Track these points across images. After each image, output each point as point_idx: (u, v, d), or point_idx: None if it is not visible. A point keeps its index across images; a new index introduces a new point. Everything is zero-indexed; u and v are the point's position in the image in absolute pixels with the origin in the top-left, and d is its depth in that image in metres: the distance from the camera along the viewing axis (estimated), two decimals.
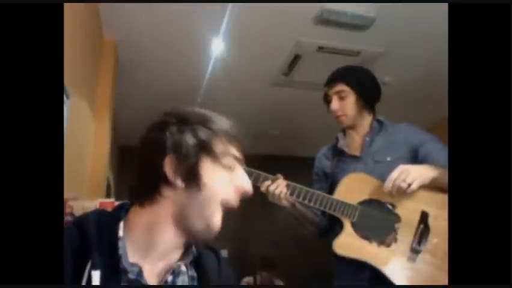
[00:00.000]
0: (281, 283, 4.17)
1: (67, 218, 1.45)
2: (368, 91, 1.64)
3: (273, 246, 4.70)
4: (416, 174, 1.37)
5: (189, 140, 0.72)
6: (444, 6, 1.07)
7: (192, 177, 0.72)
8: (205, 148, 0.73)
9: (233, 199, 0.75)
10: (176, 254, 0.76)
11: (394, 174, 1.38)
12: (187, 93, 3.43)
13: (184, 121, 0.74)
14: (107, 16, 2.53)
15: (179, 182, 0.71)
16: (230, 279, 0.85)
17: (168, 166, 0.71)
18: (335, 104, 1.61)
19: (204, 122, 0.75)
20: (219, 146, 0.74)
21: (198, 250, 0.79)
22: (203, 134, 0.73)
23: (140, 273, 0.70)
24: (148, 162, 0.74)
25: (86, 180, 2.43)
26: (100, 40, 2.67)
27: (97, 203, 1.53)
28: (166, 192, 0.72)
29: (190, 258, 0.77)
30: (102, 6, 2.43)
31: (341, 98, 1.60)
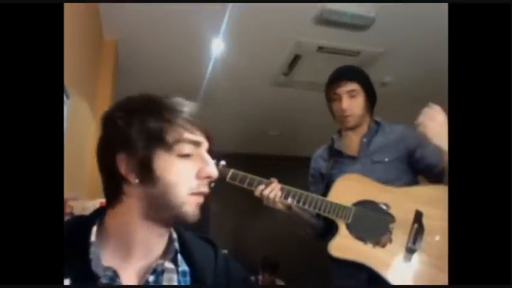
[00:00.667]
0: (282, 283, 4.18)
1: (67, 218, 1.45)
2: (374, 92, 1.65)
3: (273, 246, 4.70)
4: (439, 123, 1.33)
5: (137, 133, 0.68)
6: (444, 6, 1.06)
7: (145, 173, 0.68)
8: (156, 139, 0.68)
9: (198, 186, 0.71)
10: (158, 252, 0.73)
11: (424, 114, 1.38)
12: (187, 93, 3.40)
13: (132, 112, 0.70)
14: (107, 16, 2.53)
15: (132, 179, 0.68)
16: (231, 271, 0.80)
17: (121, 164, 0.68)
18: (345, 102, 1.58)
19: (154, 109, 0.70)
20: (171, 135, 0.69)
21: (182, 244, 0.76)
22: (153, 124, 0.68)
23: (113, 277, 0.67)
24: (102, 162, 0.71)
25: (86, 180, 2.42)
26: (100, 40, 2.67)
27: (97, 203, 1.53)
28: (127, 190, 0.70)
29: (171, 254, 0.73)
30: (102, 6, 2.43)
31: (352, 97, 1.59)
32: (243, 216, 5.03)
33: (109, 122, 0.71)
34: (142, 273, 0.70)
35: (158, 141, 0.68)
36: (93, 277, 0.66)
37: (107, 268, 0.67)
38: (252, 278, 4.15)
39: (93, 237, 0.69)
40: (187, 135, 0.70)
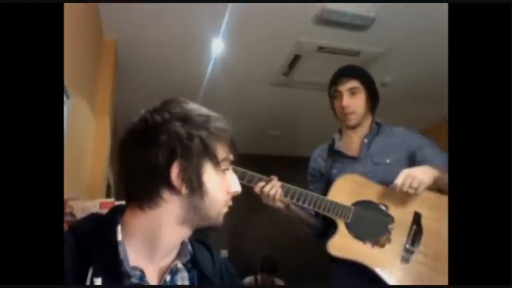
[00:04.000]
0: (281, 283, 4.17)
1: (67, 218, 1.45)
2: (375, 92, 1.66)
3: (273, 246, 4.70)
4: (420, 177, 1.37)
5: (197, 146, 0.71)
6: (444, 6, 1.07)
7: (196, 185, 0.72)
8: (209, 154, 0.73)
9: (228, 200, 0.78)
10: (175, 253, 0.78)
11: (399, 180, 1.38)
12: (187, 93, 3.41)
13: (190, 123, 0.72)
14: (107, 16, 2.53)
15: (183, 189, 0.71)
16: (228, 269, 0.87)
17: (175, 172, 0.70)
18: (346, 99, 1.59)
19: (207, 124, 0.74)
20: (220, 153, 0.74)
21: (192, 247, 0.81)
22: (208, 139, 0.73)
23: (142, 276, 0.71)
24: (153, 164, 0.70)
25: (86, 180, 2.42)
26: (100, 40, 2.67)
27: (97, 203, 1.53)
28: (168, 196, 0.72)
29: (187, 257, 0.79)
30: (102, 6, 2.43)
31: (353, 95, 1.60)
32: (243, 217, 5.02)
33: (168, 128, 0.71)
34: (161, 273, 0.75)
35: (210, 156, 0.73)
36: (123, 276, 0.68)
37: (135, 268, 0.70)
38: (252, 277, 4.14)
39: (120, 237, 0.71)
40: (230, 156, 0.77)
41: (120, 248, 0.70)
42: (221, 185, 0.75)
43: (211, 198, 0.73)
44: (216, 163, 0.74)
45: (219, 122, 0.75)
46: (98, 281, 0.66)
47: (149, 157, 0.71)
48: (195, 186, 0.72)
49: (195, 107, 0.76)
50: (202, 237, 0.87)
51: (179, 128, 0.71)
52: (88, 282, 0.65)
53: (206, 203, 0.73)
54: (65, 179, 0.84)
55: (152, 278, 0.73)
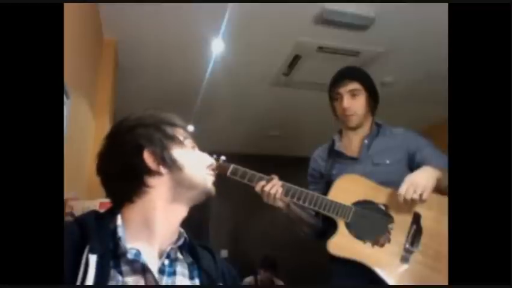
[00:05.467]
0: (281, 283, 4.18)
1: (67, 218, 1.45)
2: (376, 93, 1.66)
3: (273, 246, 4.70)
4: (423, 183, 1.37)
5: (157, 134, 0.83)
6: (444, 6, 1.07)
7: (172, 163, 0.82)
8: (170, 137, 0.84)
9: (207, 171, 0.88)
10: (172, 240, 0.83)
11: (403, 189, 1.38)
12: (187, 93, 3.43)
13: (145, 122, 0.85)
14: (107, 16, 2.53)
15: (163, 170, 0.81)
16: (230, 272, 0.91)
17: (149, 159, 0.81)
18: (347, 101, 1.60)
19: (162, 119, 0.86)
20: (181, 134, 0.87)
21: (190, 240, 0.87)
22: (165, 127, 0.85)
23: (138, 254, 0.74)
24: (127, 162, 0.81)
25: (86, 180, 2.42)
26: (100, 40, 2.67)
27: (97, 203, 1.53)
28: (153, 182, 0.81)
29: (181, 241, 0.84)
30: (102, 6, 2.43)
31: (354, 97, 1.60)
32: (243, 217, 5.03)
33: (128, 130, 0.84)
34: (159, 257, 0.80)
35: (172, 138, 0.85)
36: (119, 254, 0.73)
37: (132, 248, 0.74)
38: (251, 277, 4.14)
39: (119, 222, 0.78)
40: (189, 135, 0.89)
41: (119, 229, 0.75)
42: (193, 159, 0.86)
43: (189, 169, 0.83)
44: (179, 142, 0.85)
45: (168, 116, 0.88)
46: (93, 258, 0.68)
47: (122, 157, 0.82)
48: (170, 163, 0.82)
49: (147, 112, 0.88)
50: (202, 237, 0.88)
51: (137, 127, 0.83)
52: (83, 259, 0.68)
53: (186, 173, 0.83)
54: (65, 179, 0.84)
55: (151, 260, 0.76)
